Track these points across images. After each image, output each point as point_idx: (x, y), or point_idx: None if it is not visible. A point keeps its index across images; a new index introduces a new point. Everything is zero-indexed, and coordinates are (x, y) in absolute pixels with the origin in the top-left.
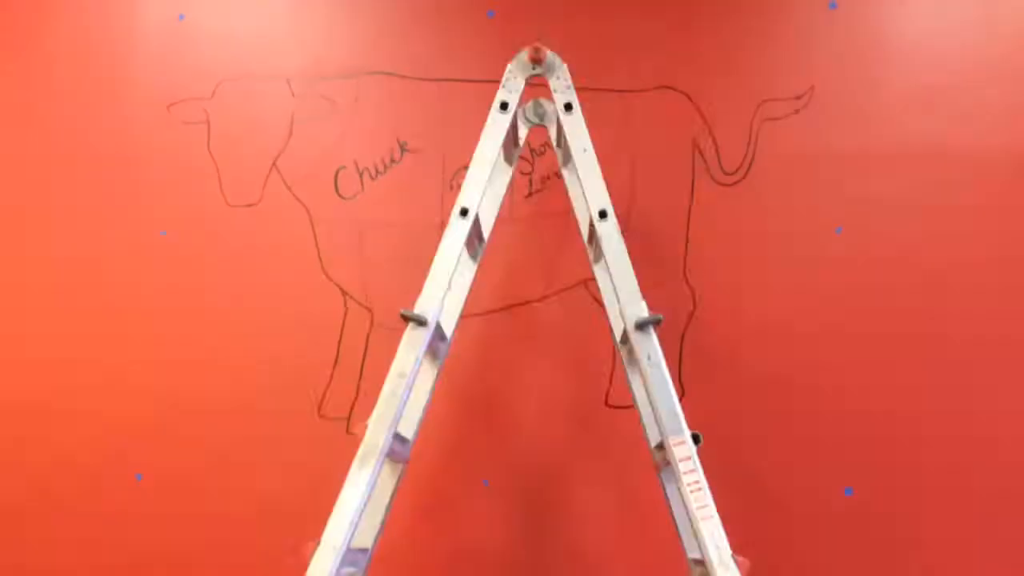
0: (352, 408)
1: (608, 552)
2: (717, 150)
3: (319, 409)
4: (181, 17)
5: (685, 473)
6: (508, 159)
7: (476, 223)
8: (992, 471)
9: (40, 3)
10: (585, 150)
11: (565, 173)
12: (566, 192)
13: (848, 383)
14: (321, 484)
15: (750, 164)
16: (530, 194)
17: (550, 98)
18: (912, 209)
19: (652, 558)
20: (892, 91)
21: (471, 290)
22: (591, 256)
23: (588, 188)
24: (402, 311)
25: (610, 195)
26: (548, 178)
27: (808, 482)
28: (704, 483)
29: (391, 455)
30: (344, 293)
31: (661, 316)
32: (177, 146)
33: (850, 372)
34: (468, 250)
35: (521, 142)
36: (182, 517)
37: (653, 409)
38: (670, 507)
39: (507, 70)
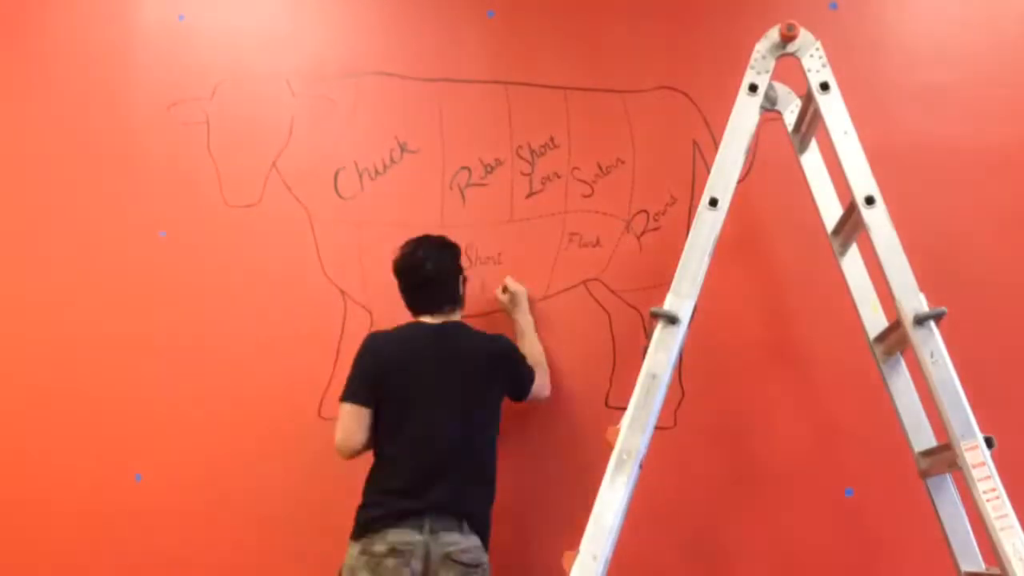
0: None
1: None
2: (717, 150)
3: (319, 409)
4: (181, 17)
5: (980, 480)
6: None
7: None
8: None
9: (40, 3)
10: (846, 132)
11: (804, 160)
12: (566, 193)
13: (849, 382)
14: (320, 484)
15: (750, 164)
16: (531, 194)
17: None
18: (912, 209)
19: (652, 557)
20: (893, 91)
21: None
22: (836, 248)
23: (852, 173)
24: (652, 309)
25: (611, 196)
26: (548, 179)
27: (808, 482)
28: (1002, 490)
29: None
30: (344, 293)
31: (944, 309)
32: (177, 146)
33: (851, 372)
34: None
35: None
36: (182, 517)
37: (940, 411)
38: (940, 516)
39: (755, 50)
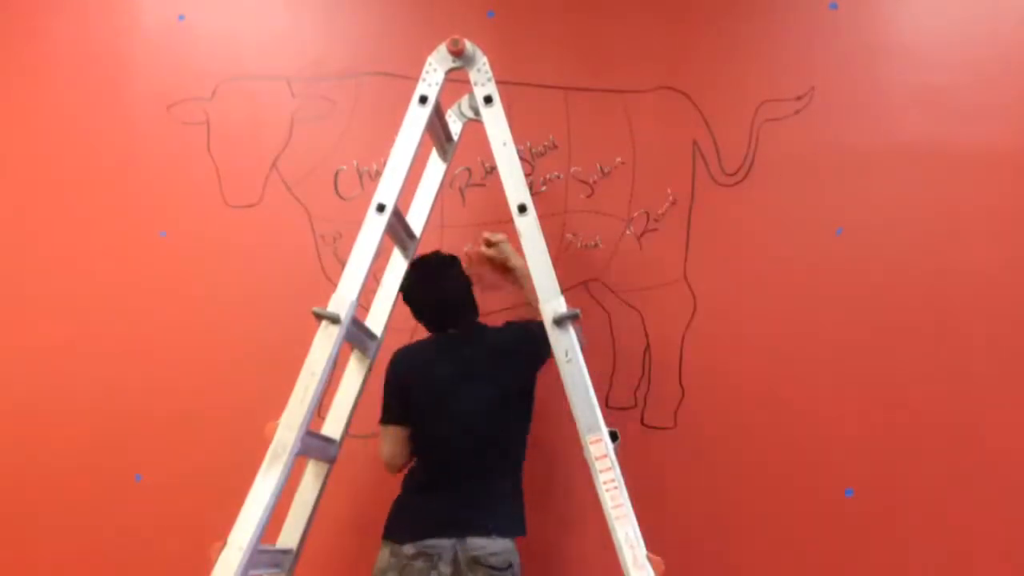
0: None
1: (609, 554)
2: (717, 150)
3: (319, 411)
4: (181, 18)
5: (602, 471)
6: (442, 155)
7: (400, 220)
8: (991, 471)
9: (40, 3)
10: (505, 144)
11: None
12: (566, 193)
13: (848, 383)
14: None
15: (750, 165)
16: (531, 195)
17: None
18: (912, 209)
19: None
20: (892, 91)
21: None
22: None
23: (509, 182)
24: (314, 309)
25: (611, 196)
26: (548, 179)
27: (808, 482)
28: (620, 481)
29: (315, 455)
30: None
31: (578, 311)
32: (177, 146)
33: (850, 372)
34: (400, 248)
35: (455, 137)
36: (182, 517)
37: (572, 406)
38: None
39: (427, 63)
